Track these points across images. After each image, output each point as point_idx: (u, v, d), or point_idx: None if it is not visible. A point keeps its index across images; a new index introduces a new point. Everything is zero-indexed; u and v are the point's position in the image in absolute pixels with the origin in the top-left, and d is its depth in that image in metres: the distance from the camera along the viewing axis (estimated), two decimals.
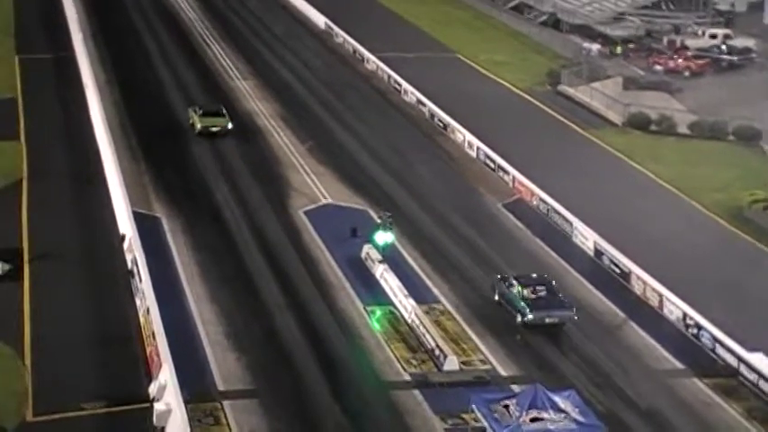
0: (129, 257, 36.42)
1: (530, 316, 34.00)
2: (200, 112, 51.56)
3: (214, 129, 50.70)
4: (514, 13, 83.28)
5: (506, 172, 47.64)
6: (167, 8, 79.04)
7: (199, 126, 50.78)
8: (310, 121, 54.68)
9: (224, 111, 52.07)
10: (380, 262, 37.47)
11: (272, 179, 46.52)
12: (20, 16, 72.69)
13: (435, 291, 36.67)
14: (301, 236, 40.64)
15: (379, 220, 39.59)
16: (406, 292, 35.24)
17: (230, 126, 51.14)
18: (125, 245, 37.51)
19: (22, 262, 36.55)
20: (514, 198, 45.90)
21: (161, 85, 59.54)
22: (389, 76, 62.32)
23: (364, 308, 35.10)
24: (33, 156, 46.89)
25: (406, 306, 34.61)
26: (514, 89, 63.23)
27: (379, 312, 34.93)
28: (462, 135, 52.54)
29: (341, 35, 71.36)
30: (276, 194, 44.69)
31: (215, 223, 41.30)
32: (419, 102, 57.99)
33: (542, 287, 34.83)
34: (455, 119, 53.86)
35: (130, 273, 35.49)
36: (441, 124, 54.95)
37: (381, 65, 63.93)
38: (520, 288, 34.70)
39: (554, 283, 35.51)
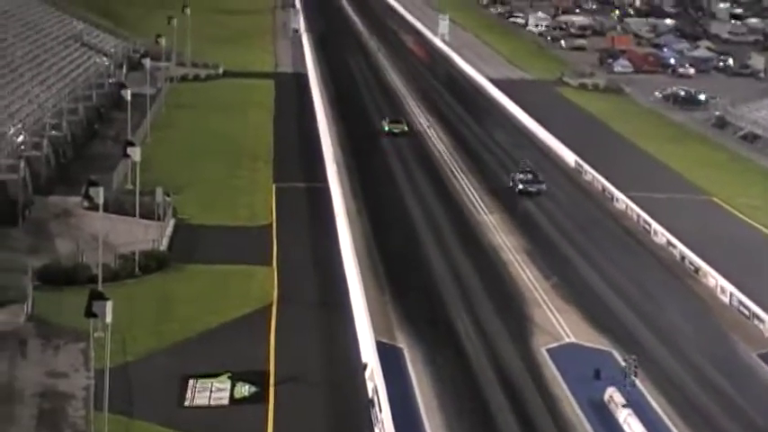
0: (370, 386, 37.09)
1: (520, 186, 63.65)
2: None
3: None
4: None
5: (762, 320, 45.97)
6: (419, 140, 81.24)
7: None
8: (555, 258, 54.67)
9: None
10: (624, 406, 36.68)
11: (514, 314, 46.60)
12: (278, 145, 76.49)
13: None
14: (543, 374, 40.36)
15: (624, 364, 38.90)
16: None
17: None
18: (367, 373, 38.26)
19: (268, 385, 37.84)
20: None
21: (408, 215, 61.06)
22: (639, 216, 61.73)
23: None
24: (284, 281, 48.81)
25: None
26: None
27: None
28: (715, 279, 51.22)
29: (590, 173, 71.37)
30: (518, 330, 44.68)
31: (456, 355, 41.61)
32: (669, 243, 57.05)
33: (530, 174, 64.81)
34: (707, 262, 52.63)
35: (371, 402, 36.10)
36: (692, 267, 53.79)
37: (631, 204, 63.44)
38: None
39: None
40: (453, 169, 72.33)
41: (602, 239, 58.74)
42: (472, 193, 66.18)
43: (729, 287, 49.67)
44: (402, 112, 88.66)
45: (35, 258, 48.61)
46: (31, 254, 49.70)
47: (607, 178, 68.79)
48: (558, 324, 45.45)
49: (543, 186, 65.84)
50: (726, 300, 49.60)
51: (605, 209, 65.36)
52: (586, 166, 72.65)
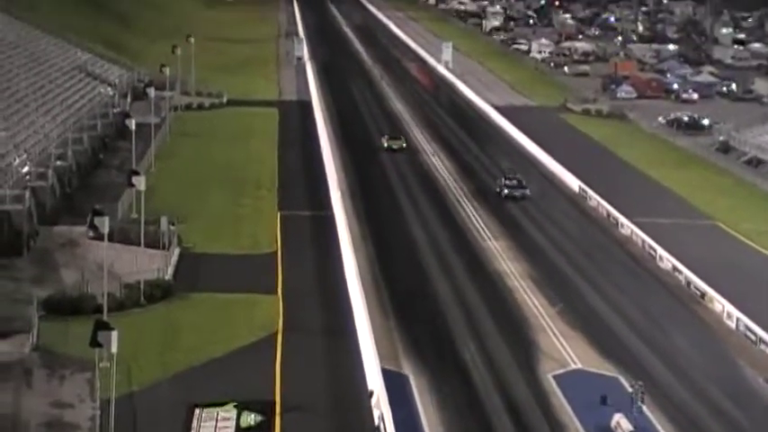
0: (376, 413, 37.05)
1: (506, 191, 70.11)
2: None
3: None
4: None
5: None
6: (423, 167, 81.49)
7: None
8: (561, 284, 54.66)
9: None
10: None
11: (520, 340, 46.57)
12: (282, 172, 76.65)
13: None
14: (549, 400, 40.29)
15: (631, 389, 38.85)
16: None
17: None
18: (373, 401, 38.23)
19: (274, 414, 37.80)
20: None
21: (413, 241, 61.14)
22: (644, 242, 61.73)
23: None
24: (289, 309, 48.82)
25: None
26: None
27: None
28: (721, 305, 51.15)
29: (595, 198, 71.45)
30: (524, 356, 44.63)
31: (462, 382, 41.56)
32: (675, 269, 57.02)
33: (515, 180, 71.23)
34: (713, 288, 52.58)
35: (377, 429, 36.03)
36: (698, 293, 53.73)
37: (636, 230, 63.45)
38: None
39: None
40: (458, 195, 72.46)
41: (608, 265, 58.71)
42: (477, 219, 66.25)
43: (736, 312, 49.58)
44: (407, 142, 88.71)
45: (40, 288, 48.67)
46: (36, 284, 49.78)
47: (612, 204, 68.85)
48: (564, 350, 45.39)
49: (527, 191, 71.82)
50: (732, 325, 49.50)
51: (610, 234, 65.37)
52: (591, 192, 72.73)
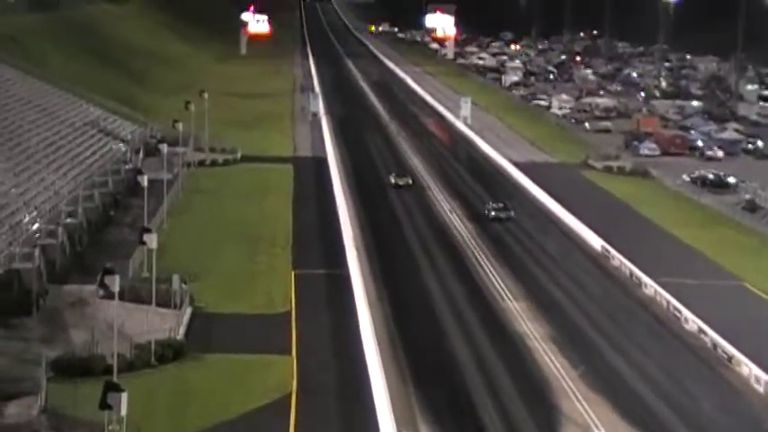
0: None
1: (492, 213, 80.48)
2: None
3: None
4: None
5: None
6: (440, 224, 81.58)
7: None
8: (583, 345, 54.49)
9: None
10: None
11: (541, 404, 46.38)
12: (297, 230, 76.93)
13: None
14: None
15: None
16: None
17: None
18: None
19: None
20: None
21: (431, 301, 61.14)
22: (669, 303, 61.57)
23: None
24: (303, 370, 48.82)
25: None
26: None
27: None
28: (748, 368, 50.89)
29: (617, 258, 71.35)
30: (546, 421, 44.45)
31: None
32: (701, 331, 56.81)
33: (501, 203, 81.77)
34: (740, 350, 52.33)
35: None
36: (725, 356, 53.47)
37: (660, 290, 63.30)
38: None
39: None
40: (476, 254, 72.42)
41: (631, 327, 58.55)
42: (496, 279, 66.20)
43: (764, 376, 49.29)
44: (424, 196, 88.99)
45: (49, 348, 48.81)
46: (45, 344, 49.93)
47: (635, 263, 68.75)
48: (586, 414, 45.17)
49: (511, 213, 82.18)
50: (761, 389, 49.19)
51: (633, 295, 65.21)
52: (613, 251, 72.65)
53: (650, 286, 64.90)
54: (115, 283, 42.21)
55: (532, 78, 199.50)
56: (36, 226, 63.55)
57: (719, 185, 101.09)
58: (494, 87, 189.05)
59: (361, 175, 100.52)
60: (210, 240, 73.08)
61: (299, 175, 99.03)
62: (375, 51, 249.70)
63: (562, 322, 58.31)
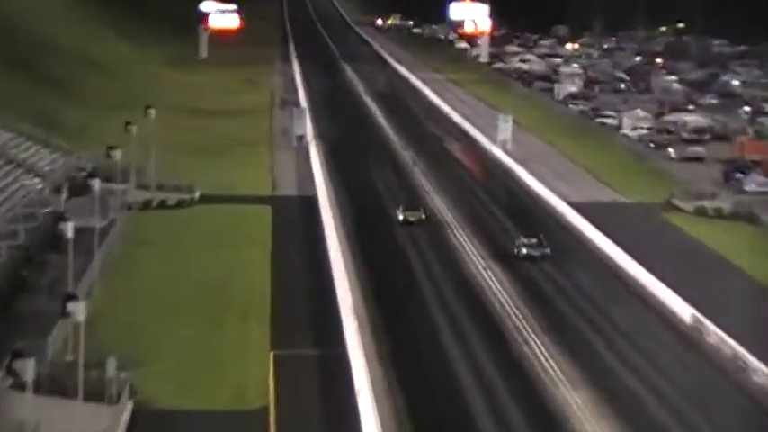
0: None
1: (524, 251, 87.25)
2: None
3: None
4: None
5: None
6: (474, 293, 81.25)
7: None
8: None
9: None
10: None
11: None
12: (277, 296, 76.83)
13: None
14: None
15: None
16: None
17: None
18: None
19: None
20: None
21: (459, 396, 60.87)
22: None
23: None
24: None
25: None
26: None
27: None
28: None
29: (715, 333, 71.00)
30: None
31: None
32: None
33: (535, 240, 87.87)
34: None
35: None
36: None
37: None
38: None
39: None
40: (524, 332, 72.08)
41: (737, 425, 58.27)
42: (549, 364, 65.98)
43: None
44: (452, 256, 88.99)
45: None
46: None
47: (739, 342, 68.43)
48: None
49: (547, 251, 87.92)
50: None
51: (739, 384, 64.91)
52: (709, 324, 72.36)
53: (762, 373, 64.52)
54: (29, 370, 42.02)
55: (596, 88, 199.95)
56: None
57: None
58: (543, 101, 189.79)
59: (362, 219, 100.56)
60: (160, 311, 73.02)
61: (279, 221, 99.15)
62: (382, 53, 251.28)
63: (640, 422, 57.99)
